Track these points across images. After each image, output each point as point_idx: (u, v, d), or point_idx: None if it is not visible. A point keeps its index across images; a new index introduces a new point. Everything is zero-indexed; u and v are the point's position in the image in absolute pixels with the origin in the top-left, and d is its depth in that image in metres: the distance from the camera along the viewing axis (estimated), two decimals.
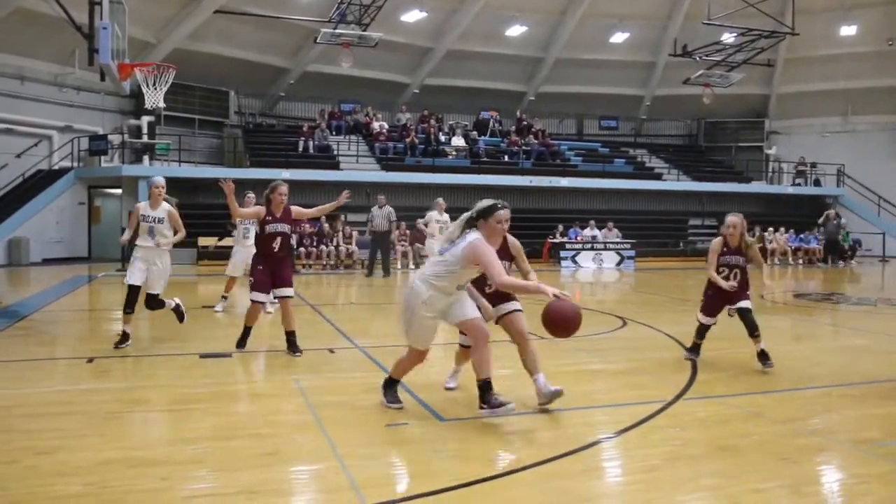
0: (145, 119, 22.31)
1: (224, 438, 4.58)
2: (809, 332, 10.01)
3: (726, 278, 6.91)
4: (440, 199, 16.05)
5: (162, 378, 6.32)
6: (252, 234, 9.91)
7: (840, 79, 28.35)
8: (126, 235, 7.88)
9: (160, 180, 7.76)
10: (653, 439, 4.70)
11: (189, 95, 24.25)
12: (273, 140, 25.73)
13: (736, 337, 7.69)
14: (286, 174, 20.12)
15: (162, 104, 15.87)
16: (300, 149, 24.65)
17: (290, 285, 7.43)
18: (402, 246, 20.32)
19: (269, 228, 7.23)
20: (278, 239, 7.26)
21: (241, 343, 7.41)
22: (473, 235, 4.83)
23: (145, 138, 22.44)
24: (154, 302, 7.86)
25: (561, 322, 4.74)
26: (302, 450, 4.40)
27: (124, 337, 7.48)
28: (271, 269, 7.28)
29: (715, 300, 7.05)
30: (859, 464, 4.33)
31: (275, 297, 7.52)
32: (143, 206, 7.71)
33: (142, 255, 7.66)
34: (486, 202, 5.03)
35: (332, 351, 7.67)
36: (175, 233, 7.74)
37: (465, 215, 5.02)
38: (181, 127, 24.20)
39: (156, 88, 15.11)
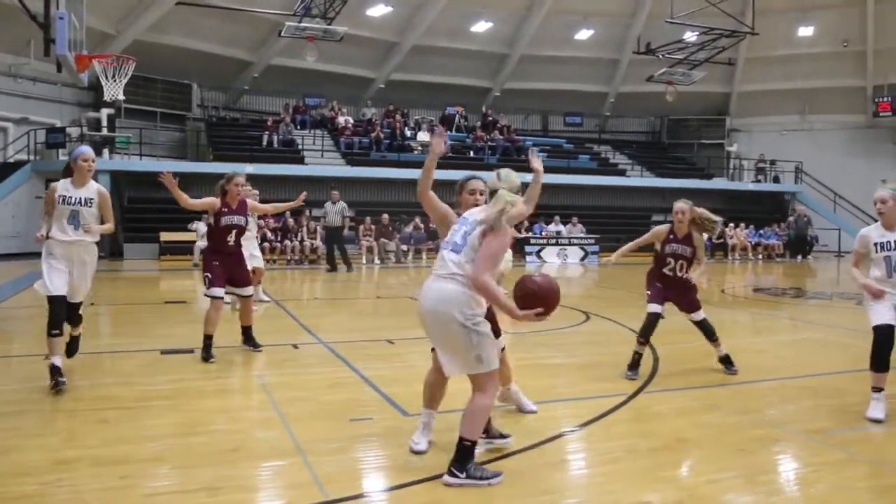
0: (105, 112, 21.91)
1: (185, 435, 4.55)
2: (768, 326, 10.21)
3: (672, 270, 6.53)
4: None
5: (122, 375, 6.23)
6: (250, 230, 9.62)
7: (798, 78, 28.93)
8: (44, 230, 5.69)
9: (89, 152, 6.01)
10: (614, 432, 4.77)
11: (150, 88, 23.87)
12: (237, 134, 25.44)
13: (694, 331, 7.81)
14: (250, 168, 19.89)
15: (121, 96, 15.59)
16: (264, 143, 24.42)
17: (250, 283, 7.33)
18: (368, 241, 20.27)
19: (225, 220, 6.99)
20: (233, 232, 7.04)
21: (207, 353, 6.73)
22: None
23: (105, 131, 22.03)
24: (75, 316, 6.12)
25: (542, 295, 3.84)
26: (265, 446, 4.38)
27: (55, 374, 5.56)
28: (227, 265, 7.02)
29: (660, 290, 6.57)
30: (812, 453, 4.45)
31: (233, 295, 7.36)
32: (61, 186, 5.76)
33: (62, 251, 5.69)
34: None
35: (295, 346, 7.64)
36: (102, 221, 5.90)
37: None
38: (142, 120, 23.82)
39: (115, 80, 14.83)
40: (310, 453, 4.19)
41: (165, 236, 20.06)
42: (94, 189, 5.88)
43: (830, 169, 28.88)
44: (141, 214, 21.52)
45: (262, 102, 27.89)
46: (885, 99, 27.99)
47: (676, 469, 4.20)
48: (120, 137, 22.46)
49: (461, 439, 3.79)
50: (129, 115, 23.25)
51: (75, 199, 5.72)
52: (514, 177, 4.31)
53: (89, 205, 5.77)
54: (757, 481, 3.92)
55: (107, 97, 15.65)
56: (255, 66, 26.32)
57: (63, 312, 5.67)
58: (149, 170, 22.02)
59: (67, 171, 5.88)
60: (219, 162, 22.01)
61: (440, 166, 4.80)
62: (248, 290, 7.23)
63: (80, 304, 6.07)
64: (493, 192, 4.09)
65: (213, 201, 7.02)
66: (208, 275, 6.94)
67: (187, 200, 6.91)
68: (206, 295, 6.99)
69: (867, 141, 29.16)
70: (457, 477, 3.73)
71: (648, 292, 6.68)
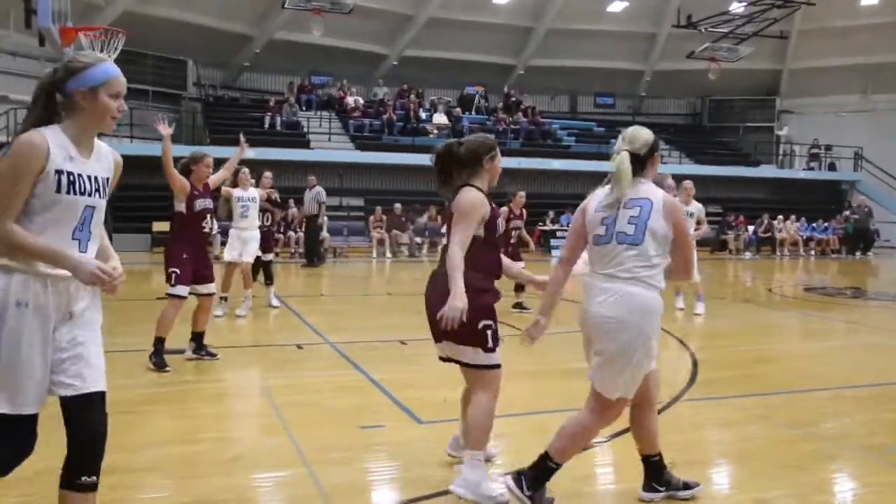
0: None
1: (185, 443, 4.59)
2: (821, 329, 10.13)
3: None
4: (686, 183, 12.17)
5: (115, 376, 6.27)
6: (252, 213, 9.63)
7: (860, 53, 28.46)
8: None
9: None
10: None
11: (141, 64, 23.94)
12: (236, 115, 25.53)
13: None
14: (251, 153, 19.91)
15: None
16: (266, 125, 24.50)
17: (213, 279, 7.09)
18: (378, 233, 20.32)
19: (199, 205, 6.83)
20: (208, 217, 6.93)
21: (159, 359, 6.45)
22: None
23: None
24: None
25: None
26: (265, 455, 4.41)
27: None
28: (197, 259, 6.77)
29: None
30: (870, 472, 4.42)
31: (196, 293, 6.85)
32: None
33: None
34: None
35: (300, 347, 7.68)
36: None
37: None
38: (133, 99, 23.90)
39: (103, 55, 14.94)
40: (314, 463, 4.20)
41: (158, 226, 20.19)
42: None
43: (894, 156, 28.49)
44: (132, 203, 21.67)
45: (264, 81, 27.98)
46: None
47: (718, 486, 4.18)
48: None
49: (646, 457, 3.79)
50: None
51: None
52: (641, 135, 3.70)
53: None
54: (809, 501, 3.90)
55: None
56: (257, 40, 26.38)
57: None
58: (139, 153, 22.21)
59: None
60: (216, 146, 22.11)
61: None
62: (212, 288, 6.99)
63: None
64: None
65: (185, 183, 6.83)
66: (176, 270, 6.59)
67: (171, 168, 6.81)
68: (169, 294, 6.62)
69: None
70: (657, 492, 3.74)
71: None
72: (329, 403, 5.55)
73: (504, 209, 10.40)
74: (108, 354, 7.41)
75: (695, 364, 7.04)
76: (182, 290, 6.61)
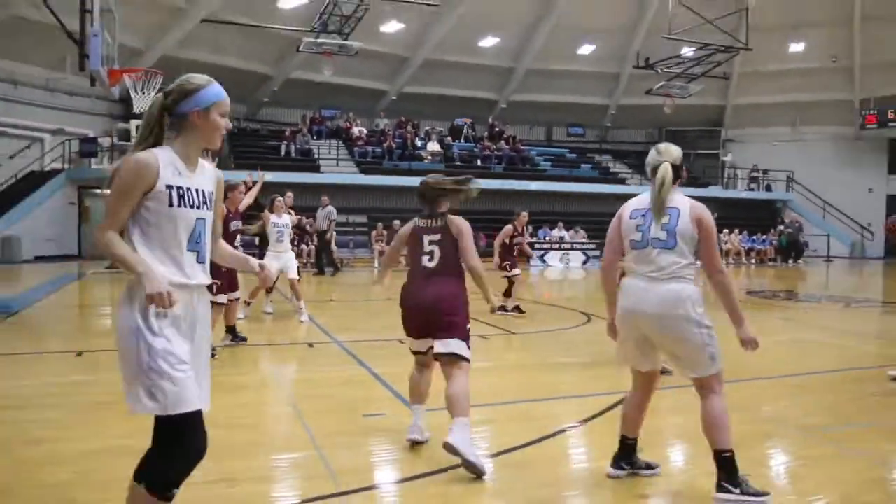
0: (134, 123, 21.97)
1: (207, 428, 4.52)
2: (762, 327, 10.09)
3: None
4: None
5: None
6: (286, 237, 9.46)
7: (789, 92, 28.78)
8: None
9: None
10: (615, 428, 4.70)
11: None
12: (257, 143, 25.51)
13: None
14: (269, 176, 19.84)
15: None
16: (283, 152, 24.48)
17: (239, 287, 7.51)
18: (380, 246, 20.25)
19: (233, 225, 7.28)
20: (238, 237, 7.38)
21: (234, 337, 7.36)
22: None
23: (133, 141, 22.09)
24: None
25: None
26: (281, 440, 4.37)
27: None
28: (230, 270, 6.80)
29: None
30: (802, 447, 4.40)
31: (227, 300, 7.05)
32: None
33: None
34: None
35: (310, 346, 7.62)
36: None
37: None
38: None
39: (144, 93, 14.90)
40: (324, 447, 4.16)
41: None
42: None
43: (819, 178, 28.75)
44: None
45: (281, 114, 27.97)
46: (872, 112, 27.80)
47: (675, 463, 4.16)
48: None
49: (719, 453, 3.41)
50: None
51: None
52: (673, 149, 3.66)
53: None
54: (753, 474, 3.86)
55: (136, 109, 15.72)
56: (275, 79, 26.39)
57: None
58: None
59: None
60: (240, 170, 22.04)
61: (448, 175, 4.65)
62: (237, 294, 7.41)
63: None
64: (654, 169, 3.56)
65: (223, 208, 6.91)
66: (217, 282, 6.42)
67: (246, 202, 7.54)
68: (212, 302, 6.63)
69: (855, 152, 28.98)
70: (731, 493, 3.34)
71: None
72: (337, 395, 5.50)
73: (509, 227, 10.40)
74: None
75: None
76: (222, 297, 6.84)
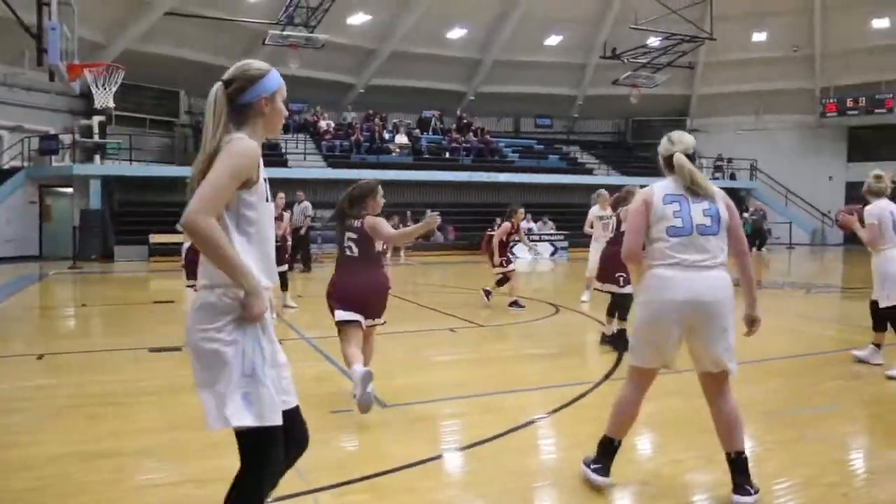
0: (96, 119, 21.56)
1: (172, 429, 4.47)
2: None
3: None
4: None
5: (111, 373, 6.14)
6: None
7: (752, 81, 29.20)
8: None
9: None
10: (583, 417, 4.77)
11: (140, 96, 23.54)
12: None
13: None
14: None
15: (111, 104, 15.34)
16: None
17: None
18: None
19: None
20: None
21: None
22: None
23: (96, 138, 21.70)
24: None
25: None
26: None
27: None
28: None
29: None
30: (766, 432, 4.49)
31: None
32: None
33: None
34: None
35: (279, 342, 7.55)
36: None
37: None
38: (132, 126, 23.49)
39: (105, 89, 14.63)
40: None
41: (155, 238, 19.82)
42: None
43: (782, 166, 29.25)
44: (131, 218, 21.26)
45: None
46: (832, 100, 28.32)
47: (641, 451, 4.21)
48: (111, 143, 22.14)
49: (739, 454, 3.37)
50: (120, 122, 22.91)
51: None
52: (686, 138, 3.62)
53: None
54: (716, 460, 3.93)
55: (97, 105, 15.44)
56: None
57: None
58: (138, 174, 21.80)
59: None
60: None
61: (416, 167, 4.75)
62: None
63: None
64: (666, 159, 3.55)
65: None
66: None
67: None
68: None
69: (816, 140, 29.51)
70: (751, 495, 3.28)
71: (622, 274, 6.76)
72: (304, 392, 5.45)
73: (507, 224, 10.35)
74: (106, 353, 7.28)
75: (619, 349, 7.08)
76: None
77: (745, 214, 26.31)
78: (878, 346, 6.30)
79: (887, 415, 4.91)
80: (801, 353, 6.68)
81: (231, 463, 3.88)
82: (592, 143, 31.56)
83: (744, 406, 5.02)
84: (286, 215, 10.12)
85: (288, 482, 3.57)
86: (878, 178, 6.16)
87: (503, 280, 10.41)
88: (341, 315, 4.84)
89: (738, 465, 3.34)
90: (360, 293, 4.86)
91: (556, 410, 4.91)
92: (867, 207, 6.15)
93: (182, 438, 4.29)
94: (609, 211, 9.10)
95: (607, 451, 3.55)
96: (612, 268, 6.92)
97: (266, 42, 21.50)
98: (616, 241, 6.88)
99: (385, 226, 4.83)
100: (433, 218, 4.68)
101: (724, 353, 3.44)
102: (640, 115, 31.36)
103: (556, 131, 31.80)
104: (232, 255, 2.23)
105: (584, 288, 10.83)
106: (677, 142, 3.54)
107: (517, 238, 10.92)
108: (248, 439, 2.41)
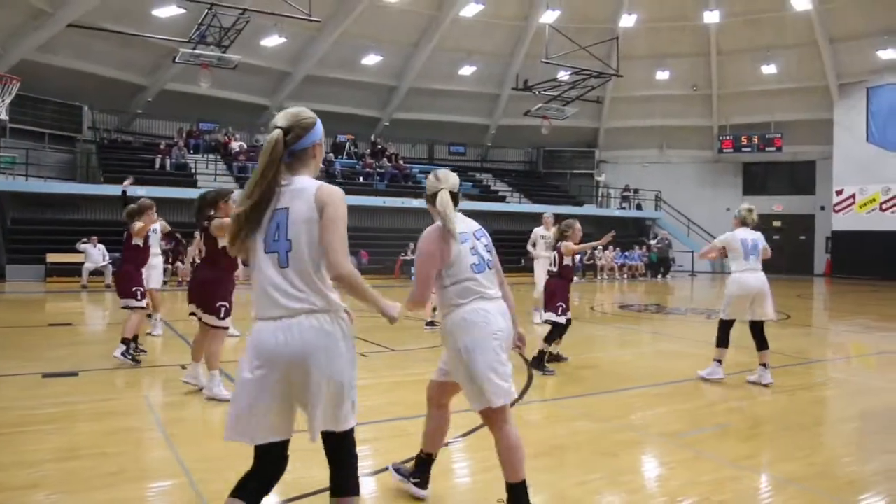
0: None
1: (65, 459, 4.23)
2: (632, 340, 10.65)
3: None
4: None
5: (0, 400, 5.76)
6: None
7: (656, 116, 30.70)
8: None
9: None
10: (491, 442, 4.80)
11: (38, 108, 22.40)
12: (129, 156, 24.26)
13: (565, 346, 8.07)
14: (141, 191, 19.00)
15: (5, 115, 14.55)
16: (157, 166, 23.44)
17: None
18: None
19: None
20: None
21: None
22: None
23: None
24: None
25: None
26: (149, 467, 4.15)
27: None
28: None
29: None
30: (667, 453, 4.66)
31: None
32: None
33: None
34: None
35: (183, 367, 7.29)
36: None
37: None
38: (29, 140, 22.31)
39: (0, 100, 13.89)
40: (196, 472, 4.00)
41: (52, 257, 18.82)
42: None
43: (685, 198, 30.72)
44: (26, 236, 20.12)
45: (156, 126, 26.76)
46: (728, 137, 30.04)
47: (549, 473, 4.28)
48: (4, 157, 20.94)
49: (523, 482, 3.48)
50: (15, 135, 21.72)
51: None
52: (452, 176, 3.71)
53: None
54: (620, 481, 4.06)
55: None
56: (149, 90, 25.24)
57: None
58: (35, 191, 20.70)
59: None
60: (109, 184, 20.95)
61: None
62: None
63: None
64: (432, 196, 3.60)
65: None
66: (227, 305, 6.02)
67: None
68: (227, 330, 6.16)
69: (714, 173, 31.17)
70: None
71: (562, 304, 7.40)
72: (211, 417, 5.29)
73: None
74: None
75: (530, 372, 7.21)
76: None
77: (652, 242, 27.44)
78: (719, 361, 6.88)
79: (775, 433, 5.18)
80: (696, 376, 6.97)
81: (129, 493, 3.72)
82: (505, 172, 32.20)
83: (646, 428, 5.23)
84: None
85: None
86: (749, 210, 6.82)
87: None
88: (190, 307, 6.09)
89: (521, 495, 3.41)
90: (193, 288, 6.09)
91: (466, 434, 4.93)
92: (722, 236, 7.08)
93: (76, 468, 4.07)
94: (551, 232, 10.04)
95: (424, 465, 3.77)
96: (553, 298, 7.48)
97: (177, 60, 20.96)
98: (559, 274, 7.67)
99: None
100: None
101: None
102: (551, 146, 32.26)
103: (470, 159, 32.31)
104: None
105: (532, 309, 11.04)
106: (443, 180, 3.63)
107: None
108: (351, 435, 2.79)
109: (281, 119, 2.68)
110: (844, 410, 6.15)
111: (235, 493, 2.72)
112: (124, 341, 7.32)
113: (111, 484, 3.82)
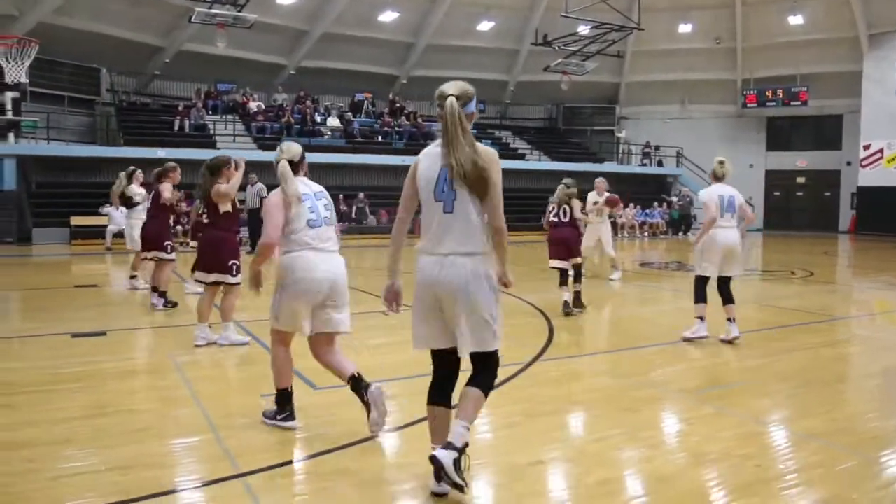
0: (9, 95, 20.40)
1: (94, 416, 4.34)
2: (653, 297, 10.62)
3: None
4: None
5: (30, 359, 5.89)
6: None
7: (678, 71, 30.04)
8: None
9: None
10: (514, 397, 4.85)
11: (57, 72, 22.41)
12: (148, 119, 24.32)
13: (587, 304, 8.06)
14: (161, 153, 19.09)
15: (25, 79, 14.57)
16: (176, 128, 23.47)
17: None
18: None
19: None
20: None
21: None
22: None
23: (9, 115, 20.59)
24: None
25: None
26: (176, 424, 4.24)
27: None
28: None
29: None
30: (686, 409, 4.67)
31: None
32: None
33: None
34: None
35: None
36: None
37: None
38: (49, 104, 22.38)
39: (17, 63, 13.89)
40: (221, 429, 4.08)
41: (76, 220, 19.04)
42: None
43: (706, 154, 30.08)
44: (50, 199, 20.34)
45: (174, 88, 26.73)
46: (752, 91, 29.42)
47: (569, 429, 4.32)
48: (26, 121, 21.03)
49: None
50: (35, 99, 21.78)
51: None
52: (294, 147, 4.34)
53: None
54: (639, 437, 4.08)
55: (8, 80, 14.65)
56: (166, 51, 25.15)
57: None
58: (57, 154, 20.85)
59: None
60: (130, 147, 21.05)
61: (349, 150, 4.77)
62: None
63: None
64: (276, 164, 4.20)
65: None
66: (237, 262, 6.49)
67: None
68: (239, 285, 6.52)
69: (737, 129, 30.62)
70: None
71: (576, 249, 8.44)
72: (234, 375, 5.39)
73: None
74: (24, 339, 6.95)
75: (550, 329, 7.23)
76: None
77: (674, 199, 27.14)
78: (701, 318, 6.70)
79: (797, 389, 5.17)
80: (717, 333, 6.94)
81: (157, 449, 3.81)
82: (524, 129, 31.88)
83: (666, 384, 5.24)
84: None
85: (216, 466, 3.53)
86: (721, 163, 6.71)
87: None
88: (200, 276, 6.40)
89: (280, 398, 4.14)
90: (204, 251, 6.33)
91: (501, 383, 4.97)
92: (701, 191, 6.91)
93: (105, 425, 4.17)
94: (603, 197, 11.11)
95: (285, 398, 4.16)
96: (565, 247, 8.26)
97: (192, 20, 20.81)
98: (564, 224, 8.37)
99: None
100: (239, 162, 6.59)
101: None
102: (570, 102, 31.83)
103: (489, 116, 31.94)
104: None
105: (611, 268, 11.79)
106: (286, 150, 4.24)
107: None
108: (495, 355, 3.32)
109: (451, 88, 3.23)
110: (868, 367, 6.12)
111: (433, 402, 3.34)
112: (161, 293, 8.10)
113: (139, 440, 3.91)
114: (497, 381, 5.05)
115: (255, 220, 17.32)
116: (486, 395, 3.27)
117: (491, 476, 3.59)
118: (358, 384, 4.06)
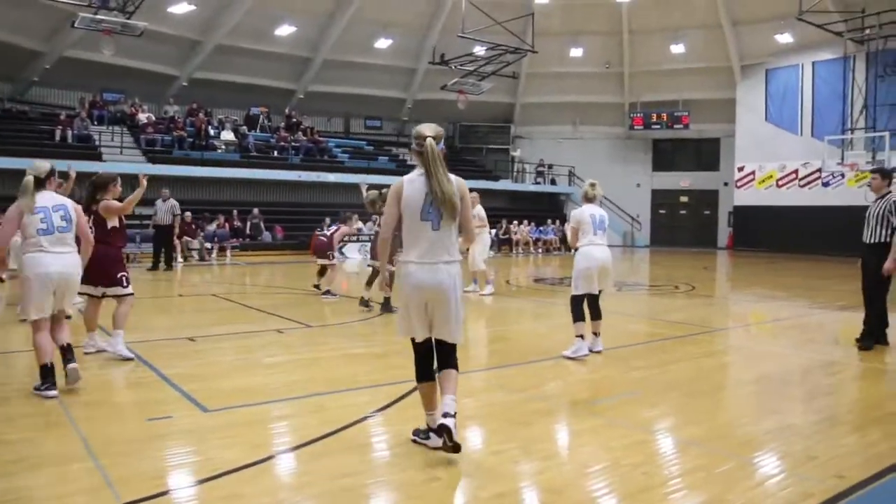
0: None
1: None
2: (546, 312, 10.89)
3: None
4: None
5: None
6: None
7: (570, 93, 31.23)
8: None
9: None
10: (409, 415, 4.83)
11: None
12: (24, 127, 22.79)
13: (478, 318, 8.17)
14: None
15: None
16: (58, 138, 22.14)
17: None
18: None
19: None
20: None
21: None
22: None
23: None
24: None
25: None
26: (51, 453, 3.96)
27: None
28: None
29: None
30: (576, 421, 4.81)
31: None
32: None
33: None
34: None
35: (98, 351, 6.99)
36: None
37: None
38: None
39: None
40: (101, 456, 3.85)
41: None
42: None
43: (597, 173, 31.07)
44: None
45: (55, 95, 25.22)
46: (638, 114, 30.96)
47: (465, 444, 4.34)
48: None
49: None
50: None
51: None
52: (42, 165, 5.39)
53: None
54: (534, 449, 4.16)
55: None
56: (47, 56, 23.70)
57: None
58: None
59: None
60: (4, 157, 19.69)
61: (244, 165, 4.64)
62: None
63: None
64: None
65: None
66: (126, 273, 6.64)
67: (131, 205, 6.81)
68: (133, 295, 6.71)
69: (626, 149, 32.09)
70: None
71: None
72: (118, 399, 5.11)
73: (345, 227, 11.85)
74: None
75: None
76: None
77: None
78: (582, 337, 6.77)
79: (681, 399, 5.43)
80: (609, 346, 7.20)
81: (31, 481, 3.54)
82: None
83: (558, 397, 5.37)
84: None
85: (96, 497, 3.33)
86: (593, 185, 7.09)
87: (322, 270, 11.56)
88: (87, 289, 6.29)
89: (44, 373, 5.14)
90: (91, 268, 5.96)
91: (382, 409, 4.94)
92: (574, 210, 7.24)
93: None
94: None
95: (48, 372, 5.02)
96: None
97: (76, 25, 19.76)
98: None
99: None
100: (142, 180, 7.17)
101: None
102: (467, 121, 32.37)
103: (387, 133, 32.06)
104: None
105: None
106: (33, 168, 5.30)
107: (347, 239, 11.84)
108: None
109: (428, 130, 4.08)
110: (743, 375, 6.50)
111: (421, 380, 4.09)
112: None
113: (10, 472, 3.63)
114: (390, 399, 5.10)
115: (161, 235, 16.68)
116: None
117: (388, 493, 3.57)
118: (64, 354, 5.10)
